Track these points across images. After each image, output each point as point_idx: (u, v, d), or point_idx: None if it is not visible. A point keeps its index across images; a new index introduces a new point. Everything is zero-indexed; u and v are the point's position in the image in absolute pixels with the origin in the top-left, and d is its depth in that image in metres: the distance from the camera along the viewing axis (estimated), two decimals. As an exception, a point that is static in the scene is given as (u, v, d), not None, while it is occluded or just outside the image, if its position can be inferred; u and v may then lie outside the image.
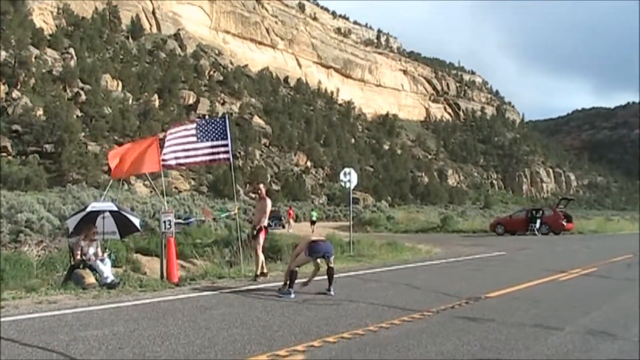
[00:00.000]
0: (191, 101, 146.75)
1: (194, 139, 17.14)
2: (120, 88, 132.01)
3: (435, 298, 13.00)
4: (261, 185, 17.70)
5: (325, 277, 13.96)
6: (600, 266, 20.65)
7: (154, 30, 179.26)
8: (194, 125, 17.64)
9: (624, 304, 13.42)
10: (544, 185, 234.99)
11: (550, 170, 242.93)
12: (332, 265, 14.32)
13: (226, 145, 17.15)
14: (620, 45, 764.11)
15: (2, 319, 9.95)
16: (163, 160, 16.79)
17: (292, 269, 13.83)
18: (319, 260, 14.35)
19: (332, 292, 13.78)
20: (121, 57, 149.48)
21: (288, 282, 13.65)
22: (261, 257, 16.29)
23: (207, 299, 12.59)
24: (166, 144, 17.11)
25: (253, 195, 16.88)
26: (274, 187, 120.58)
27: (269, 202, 16.77)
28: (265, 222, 16.42)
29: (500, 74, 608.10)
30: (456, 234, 47.98)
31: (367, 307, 11.81)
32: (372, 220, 59.40)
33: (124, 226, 16.71)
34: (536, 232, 45.08)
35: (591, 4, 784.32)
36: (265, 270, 16.46)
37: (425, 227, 54.35)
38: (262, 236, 16.30)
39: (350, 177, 26.12)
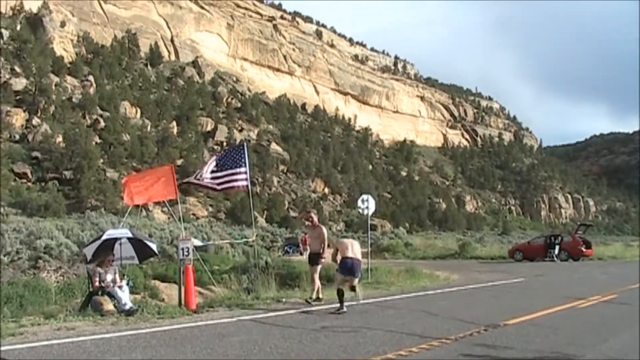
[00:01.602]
0: (209, 128, 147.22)
1: (215, 167, 17.29)
2: (138, 115, 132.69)
3: (453, 325, 12.93)
4: (312, 214, 18.21)
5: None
6: (619, 292, 20.49)
7: (172, 57, 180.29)
8: (217, 156, 17.92)
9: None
10: (563, 211, 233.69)
11: (569, 196, 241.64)
12: (355, 285, 15.63)
13: (244, 172, 17.25)
14: (636, 69, 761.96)
15: (21, 346, 9.98)
16: (185, 184, 16.95)
17: (337, 288, 15.48)
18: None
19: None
20: (140, 84, 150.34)
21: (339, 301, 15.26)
22: (318, 282, 16.87)
23: (225, 326, 12.58)
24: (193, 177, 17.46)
25: (305, 223, 17.11)
26: (292, 213, 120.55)
27: (324, 229, 17.52)
28: (325, 250, 17.06)
29: (518, 99, 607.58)
30: (474, 261, 47.75)
31: (385, 334, 11.77)
32: (389, 247, 59.15)
33: (142, 251, 16.78)
34: (555, 259, 44.76)
35: (605, 28, 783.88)
36: (320, 296, 16.90)
37: (443, 254, 54.14)
38: (321, 263, 17.07)
39: (368, 204, 26.06)
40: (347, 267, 15.55)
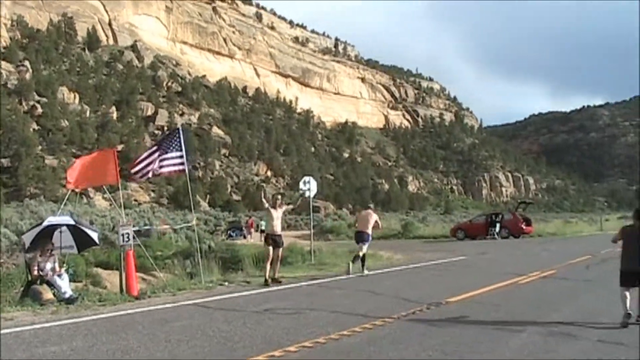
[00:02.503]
0: (149, 113, 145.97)
1: (153, 151, 17.14)
2: (77, 100, 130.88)
3: (397, 304, 13.01)
4: (278, 196, 19.21)
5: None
6: (559, 269, 20.83)
7: (111, 41, 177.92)
8: (157, 142, 17.86)
9: (583, 305, 13.55)
10: (504, 189, 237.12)
11: (509, 175, 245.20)
12: (363, 252, 20.28)
13: (181, 157, 17.12)
14: (574, 49, 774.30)
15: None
16: (126, 170, 16.79)
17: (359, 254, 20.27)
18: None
19: (365, 273, 19.75)
20: (78, 69, 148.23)
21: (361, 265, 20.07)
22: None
23: (167, 311, 12.46)
24: (137, 160, 17.29)
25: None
26: (234, 197, 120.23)
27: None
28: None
29: (458, 80, 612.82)
30: (417, 240, 48.11)
31: (328, 315, 11.78)
32: (333, 228, 59.32)
33: (82, 240, 16.50)
34: (496, 237, 45.31)
35: (545, 8, 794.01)
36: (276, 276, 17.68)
37: (387, 234, 54.34)
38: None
39: (310, 186, 26.01)
40: (359, 237, 20.81)
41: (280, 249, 17.70)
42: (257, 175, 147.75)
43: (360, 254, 20.24)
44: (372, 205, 22.47)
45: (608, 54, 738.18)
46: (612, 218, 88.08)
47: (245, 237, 56.40)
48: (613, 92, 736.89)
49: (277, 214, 17.53)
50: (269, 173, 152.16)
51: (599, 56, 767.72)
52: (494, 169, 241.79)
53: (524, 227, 46.77)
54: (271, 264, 17.28)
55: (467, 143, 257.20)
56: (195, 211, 47.67)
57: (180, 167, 17.35)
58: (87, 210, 54.13)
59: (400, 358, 8.41)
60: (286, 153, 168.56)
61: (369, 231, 20.63)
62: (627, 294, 11.11)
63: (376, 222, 20.85)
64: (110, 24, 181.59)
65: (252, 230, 58.74)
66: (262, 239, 19.72)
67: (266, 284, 16.67)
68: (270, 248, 17.32)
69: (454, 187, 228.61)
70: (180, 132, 17.63)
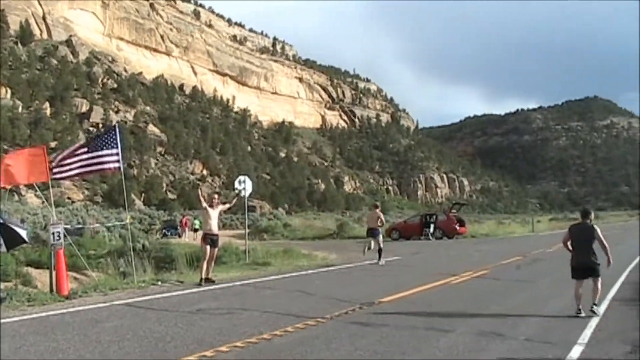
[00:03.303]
0: (84, 109, 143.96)
1: (85, 149, 16.88)
2: (9, 96, 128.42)
3: (329, 304, 13.06)
4: (215, 195, 19.02)
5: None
6: (491, 269, 21.15)
7: (45, 36, 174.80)
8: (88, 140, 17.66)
9: (512, 305, 13.78)
10: (439, 190, 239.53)
11: (445, 176, 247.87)
12: (380, 245, 24.26)
13: (117, 154, 16.93)
14: (509, 53, 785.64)
15: None
16: (55, 168, 16.46)
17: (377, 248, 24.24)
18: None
19: (380, 263, 23.32)
20: (10, 63, 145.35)
21: (378, 256, 23.86)
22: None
23: (98, 311, 12.31)
24: (59, 157, 16.91)
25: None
26: (170, 196, 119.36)
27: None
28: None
29: (395, 81, 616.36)
30: (352, 240, 48.26)
31: (261, 315, 11.78)
32: (268, 228, 59.21)
33: (10, 238, 16.18)
34: (430, 237, 45.72)
35: (480, 11, 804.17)
36: (210, 276, 17.39)
37: (322, 234, 54.50)
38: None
39: (245, 185, 25.95)
40: (368, 233, 25.52)
41: (216, 249, 17.60)
42: (192, 174, 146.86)
43: (373, 245, 24.50)
44: (378, 204, 28.81)
45: (542, 58, 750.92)
46: (544, 220, 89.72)
47: (180, 236, 56.08)
48: (546, 96, 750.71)
49: (214, 213, 17.45)
50: (205, 172, 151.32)
51: (533, 61, 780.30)
52: (430, 170, 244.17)
53: (458, 228, 47.31)
54: (207, 264, 17.20)
55: (403, 144, 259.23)
56: (130, 209, 47.20)
57: (116, 165, 17.16)
58: (18, 207, 53.16)
59: (332, 358, 8.45)
60: (222, 152, 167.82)
61: (378, 226, 25.10)
62: (580, 289, 12.41)
63: (380, 219, 25.26)
64: (44, 18, 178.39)
65: (187, 229, 58.38)
66: (197, 238, 19.54)
67: (200, 284, 16.60)
68: (208, 247, 17.23)
69: (390, 188, 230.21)
70: (117, 129, 17.44)
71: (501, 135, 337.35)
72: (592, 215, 13.20)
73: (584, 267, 12.70)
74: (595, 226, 12.97)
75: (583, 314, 12.07)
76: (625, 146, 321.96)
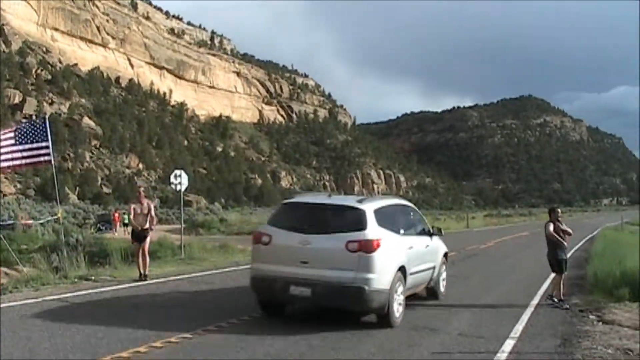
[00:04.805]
0: (17, 101, 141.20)
1: (12, 142, 16.62)
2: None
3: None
4: (141, 189, 18.79)
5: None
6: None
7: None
8: (12, 128, 17.24)
9: (446, 300, 14.03)
10: (375, 186, 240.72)
11: (381, 172, 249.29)
12: None
13: (47, 147, 16.74)
14: (446, 51, 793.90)
15: None
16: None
17: None
18: None
19: None
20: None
21: None
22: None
23: (29, 307, 12.18)
24: None
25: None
26: (105, 190, 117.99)
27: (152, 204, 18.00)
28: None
29: (333, 77, 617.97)
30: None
31: (196, 311, 11.84)
32: (204, 223, 59.00)
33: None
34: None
35: (417, 9, 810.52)
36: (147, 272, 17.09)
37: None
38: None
39: (181, 180, 25.82)
40: None
41: (146, 244, 17.26)
42: (128, 167, 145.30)
43: None
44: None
45: (478, 57, 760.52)
46: (479, 216, 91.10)
47: (115, 231, 55.50)
48: (482, 94, 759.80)
49: (141, 208, 17.21)
50: (140, 166, 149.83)
51: (469, 59, 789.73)
52: (367, 166, 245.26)
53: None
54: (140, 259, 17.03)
55: (340, 140, 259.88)
56: (64, 203, 46.38)
57: (46, 159, 16.96)
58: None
59: (266, 352, 8.54)
60: (159, 146, 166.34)
61: None
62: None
63: None
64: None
65: (118, 224, 57.69)
66: (128, 232, 19.22)
67: (140, 279, 16.53)
68: (135, 243, 17.07)
69: (327, 183, 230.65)
70: (47, 122, 17.22)
71: (437, 132, 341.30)
72: (555, 213, 14.24)
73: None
74: (546, 223, 14.32)
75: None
76: (557, 144, 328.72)
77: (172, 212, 76.44)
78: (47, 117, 18.91)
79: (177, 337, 9.20)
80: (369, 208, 11.49)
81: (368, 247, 10.66)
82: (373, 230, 11.00)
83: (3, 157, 16.61)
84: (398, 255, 11.53)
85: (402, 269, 11.52)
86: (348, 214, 11.38)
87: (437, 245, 15.06)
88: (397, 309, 11.23)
